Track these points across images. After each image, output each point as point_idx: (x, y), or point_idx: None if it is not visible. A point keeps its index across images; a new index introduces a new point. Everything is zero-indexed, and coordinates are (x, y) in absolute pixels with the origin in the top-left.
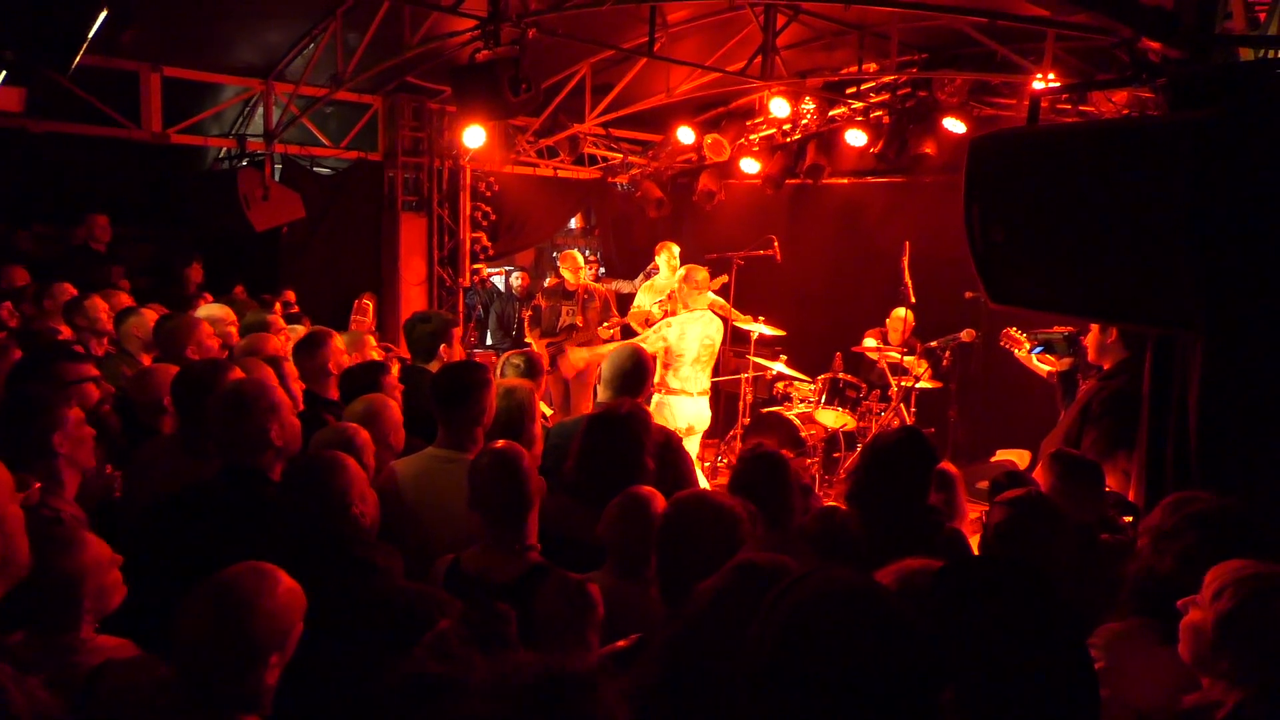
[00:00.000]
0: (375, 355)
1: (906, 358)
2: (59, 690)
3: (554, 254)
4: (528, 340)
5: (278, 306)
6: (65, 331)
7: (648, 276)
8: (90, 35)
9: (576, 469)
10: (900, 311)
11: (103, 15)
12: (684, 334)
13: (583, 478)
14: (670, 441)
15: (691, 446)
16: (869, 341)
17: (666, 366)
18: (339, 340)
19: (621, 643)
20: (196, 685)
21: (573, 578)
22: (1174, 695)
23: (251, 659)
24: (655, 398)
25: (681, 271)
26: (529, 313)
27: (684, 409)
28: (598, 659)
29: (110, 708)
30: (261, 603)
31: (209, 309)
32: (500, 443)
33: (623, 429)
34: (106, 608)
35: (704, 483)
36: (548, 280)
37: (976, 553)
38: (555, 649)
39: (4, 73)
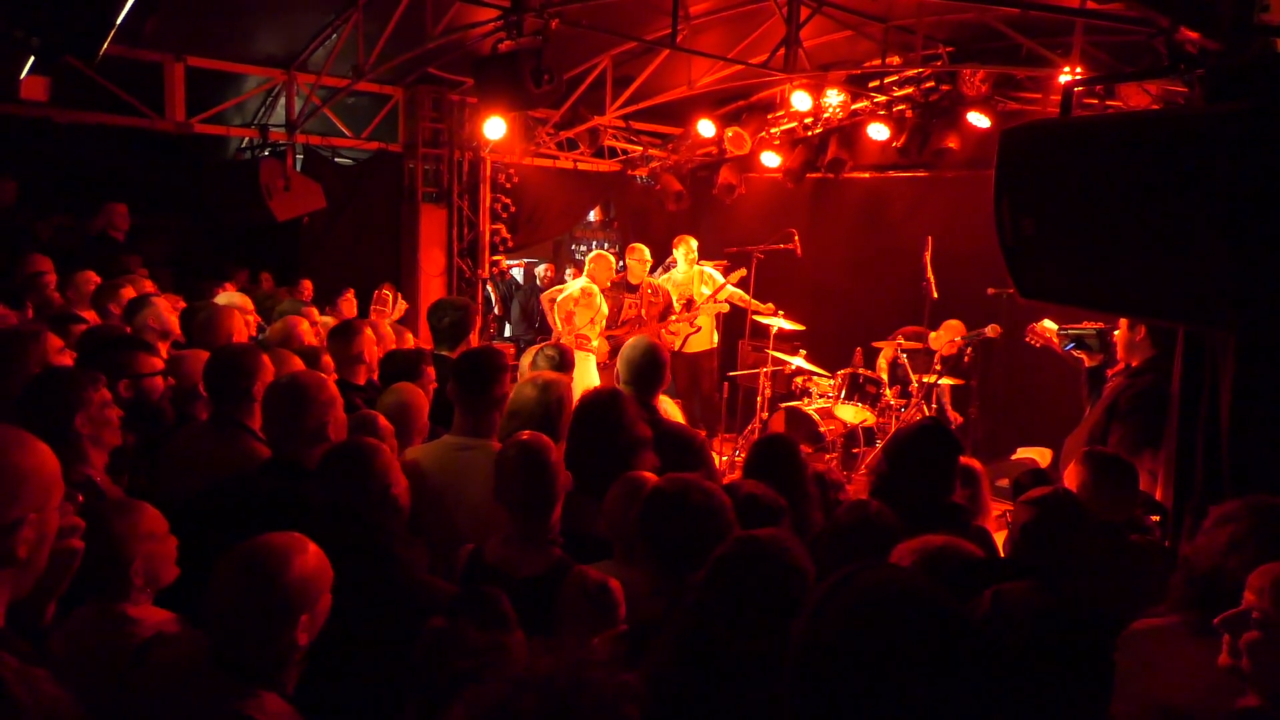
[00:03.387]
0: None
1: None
2: (112, 659)
3: (573, 246)
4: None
5: (307, 296)
6: (92, 319)
7: (666, 270)
8: (117, 23)
9: (568, 457)
10: (954, 323)
11: (130, 2)
12: None
13: (574, 465)
14: (692, 442)
15: None
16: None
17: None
18: (370, 330)
19: (610, 632)
20: (224, 649)
21: (594, 576)
22: (1207, 691)
23: (280, 620)
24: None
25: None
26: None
27: None
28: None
29: (146, 682)
30: (293, 563)
31: (228, 297)
32: (525, 434)
33: (602, 414)
34: (159, 580)
35: None
36: None
37: (1001, 550)
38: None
39: (30, 60)
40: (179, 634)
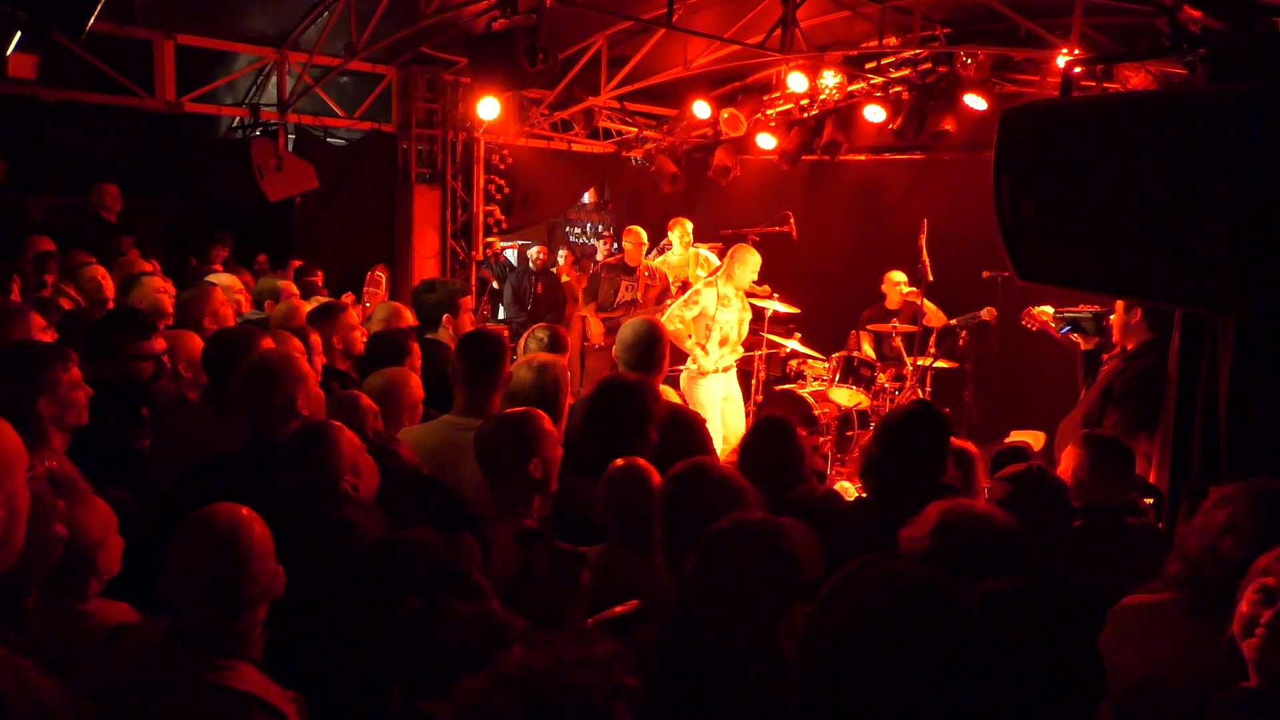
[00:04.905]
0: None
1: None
2: (73, 655)
3: (566, 229)
4: (583, 313)
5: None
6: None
7: (661, 253)
8: None
9: (581, 440)
10: (896, 275)
11: None
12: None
13: (587, 449)
14: (691, 422)
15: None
16: (866, 346)
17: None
18: (352, 314)
19: (619, 608)
20: (187, 624)
21: (562, 546)
22: (1194, 669)
23: (240, 586)
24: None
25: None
26: (585, 285)
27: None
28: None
29: (122, 669)
30: (246, 530)
31: (219, 277)
32: (515, 409)
33: (629, 400)
34: (112, 569)
35: None
36: (599, 254)
37: None
38: (541, 615)
39: (17, 36)
40: (141, 623)
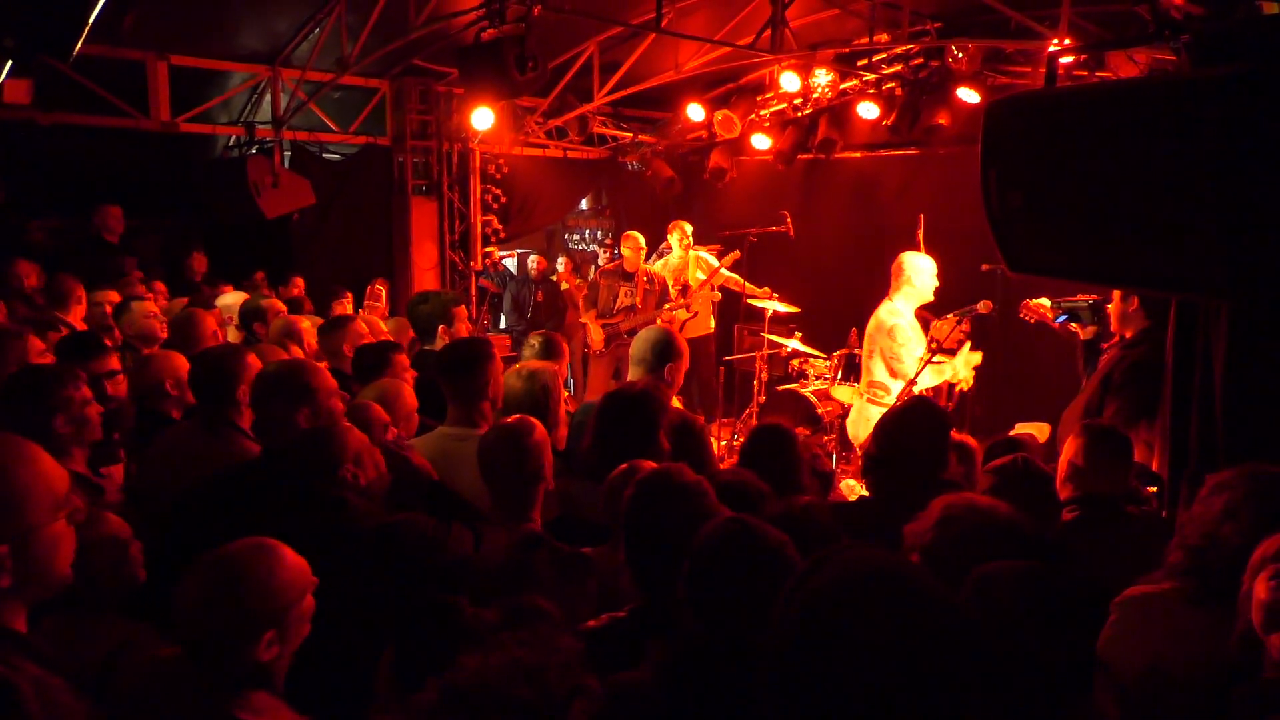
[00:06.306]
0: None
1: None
2: (86, 679)
3: (565, 235)
4: (584, 320)
5: (294, 292)
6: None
7: (660, 256)
8: (91, 21)
9: (591, 450)
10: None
11: (102, 1)
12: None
13: (597, 458)
14: (690, 425)
15: None
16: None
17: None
18: (360, 325)
19: (591, 622)
20: (196, 659)
21: (565, 548)
22: (1198, 658)
23: (246, 632)
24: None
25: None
26: (585, 292)
27: None
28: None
29: (125, 690)
30: (257, 575)
31: (226, 299)
32: (512, 418)
33: (636, 409)
34: (127, 586)
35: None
36: (600, 260)
37: None
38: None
39: (9, 63)
40: (150, 642)
